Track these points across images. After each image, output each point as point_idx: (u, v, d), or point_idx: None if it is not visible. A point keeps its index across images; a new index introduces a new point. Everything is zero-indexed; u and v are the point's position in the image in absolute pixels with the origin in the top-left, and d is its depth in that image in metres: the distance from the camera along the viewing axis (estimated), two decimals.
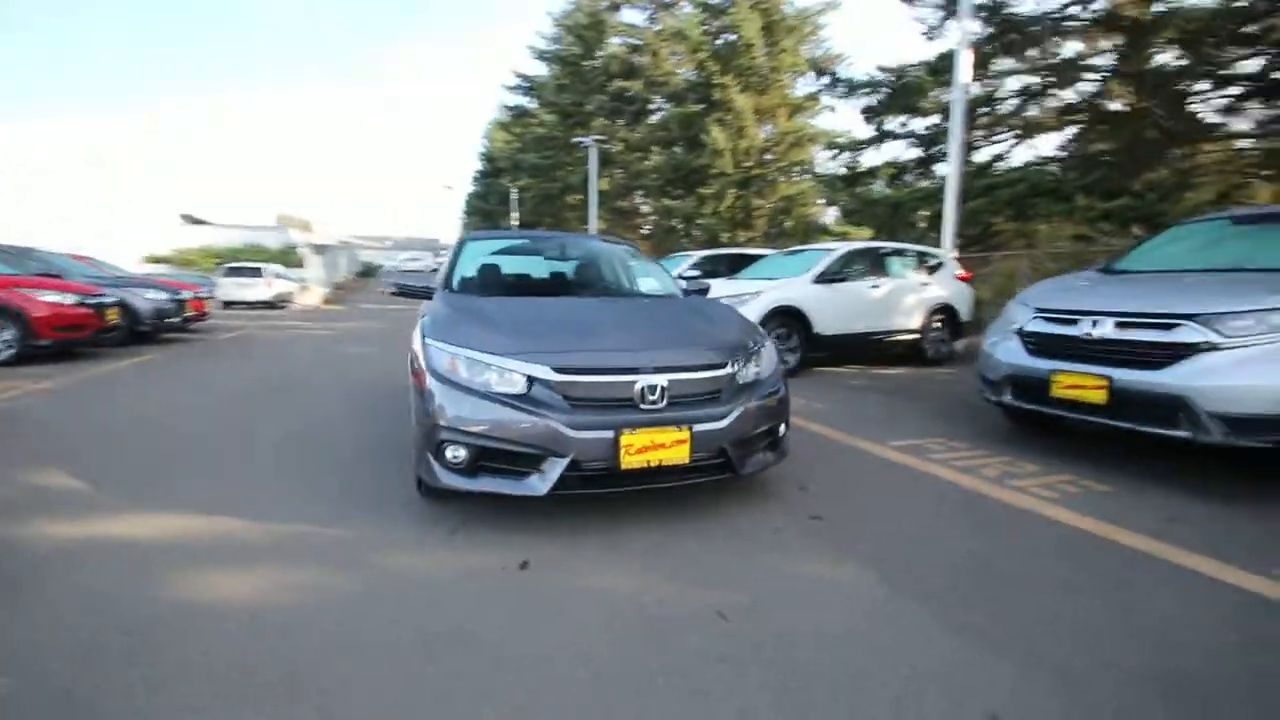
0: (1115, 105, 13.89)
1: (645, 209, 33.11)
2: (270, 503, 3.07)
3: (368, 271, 38.07)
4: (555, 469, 2.50)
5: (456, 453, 2.58)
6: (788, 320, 7.19)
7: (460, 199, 78.29)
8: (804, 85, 21.82)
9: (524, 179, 37.53)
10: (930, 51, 16.22)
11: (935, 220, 12.10)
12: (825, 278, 7.56)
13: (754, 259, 10.10)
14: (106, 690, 1.68)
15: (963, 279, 8.78)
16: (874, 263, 8.16)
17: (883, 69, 16.17)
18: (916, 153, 15.02)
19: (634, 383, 2.61)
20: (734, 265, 10.03)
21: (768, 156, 22.67)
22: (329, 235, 59.55)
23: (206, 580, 2.29)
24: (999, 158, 14.93)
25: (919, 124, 15.05)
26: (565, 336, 2.84)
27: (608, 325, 3.06)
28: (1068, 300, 3.94)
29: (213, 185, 59.13)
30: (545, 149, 34.25)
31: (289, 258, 34.27)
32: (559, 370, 2.58)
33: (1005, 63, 15.00)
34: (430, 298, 3.72)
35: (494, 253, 4.33)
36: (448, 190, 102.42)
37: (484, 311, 3.15)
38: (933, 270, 8.51)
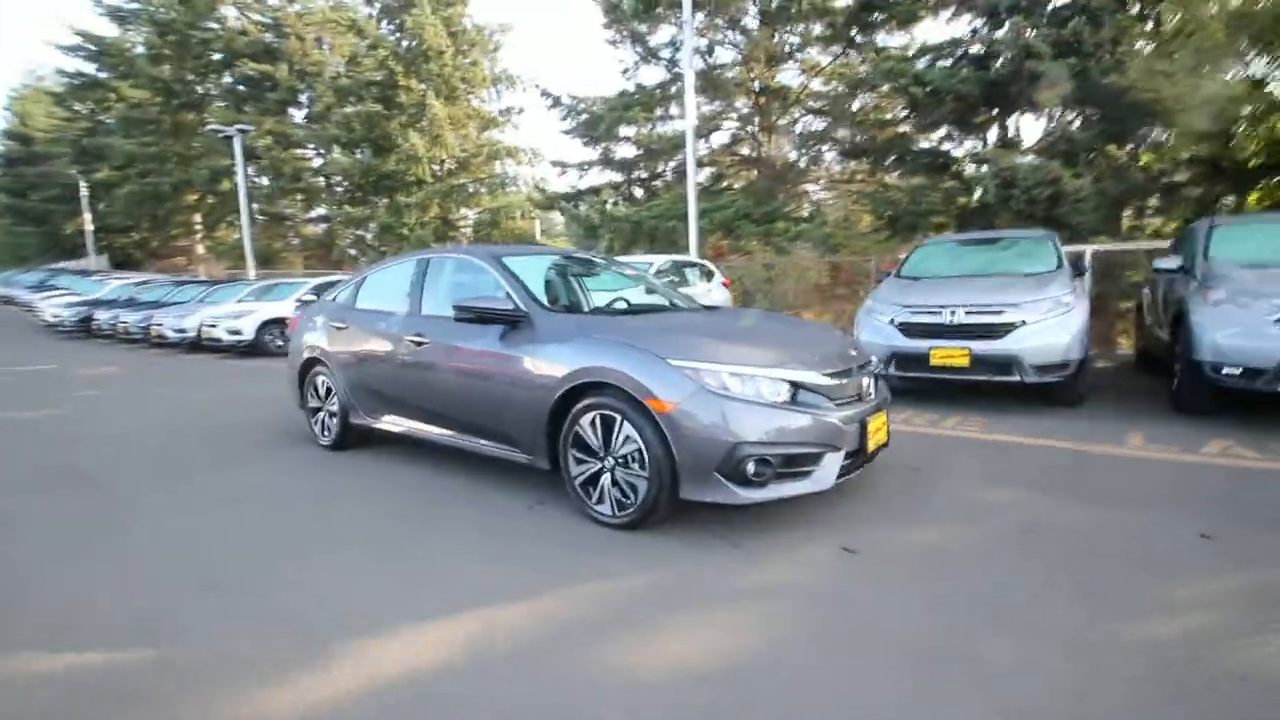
0: (749, 151, 18.33)
1: (306, 214, 28.84)
2: (478, 575, 2.55)
3: None
4: (835, 461, 2.84)
5: (756, 466, 2.68)
6: None
7: None
8: (491, 100, 22.31)
9: (105, 170, 28.62)
10: (615, 86, 18.54)
11: (663, 236, 14.17)
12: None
13: None
14: None
15: (725, 285, 10.78)
16: (677, 274, 9.46)
17: (575, 97, 17.90)
18: (622, 176, 17.13)
19: (861, 379, 3.11)
20: None
21: (451, 166, 22.43)
22: None
23: (635, 657, 2.02)
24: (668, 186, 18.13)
25: (621, 151, 17.19)
26: (780, 347, 3.09)
27: (783, 336, 3.42)
28: (924, 298, 5.69)
29: None
30: (143, 133, 26.84)
31: None
32: (827, 375, 2.92)
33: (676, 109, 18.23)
34: (515, 324, 3.38)
35: (550, 269, 4.02)
36: None
37: (669, 329, 3.22)
38: (709, 278, 10.26)
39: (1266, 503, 3.14)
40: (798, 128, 17.10)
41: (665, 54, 16.10)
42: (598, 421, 2.97)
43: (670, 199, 14.65)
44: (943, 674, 1.88)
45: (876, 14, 12.77)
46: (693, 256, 11.96)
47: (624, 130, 16.79)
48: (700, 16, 15.56)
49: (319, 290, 14.12)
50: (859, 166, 15.75)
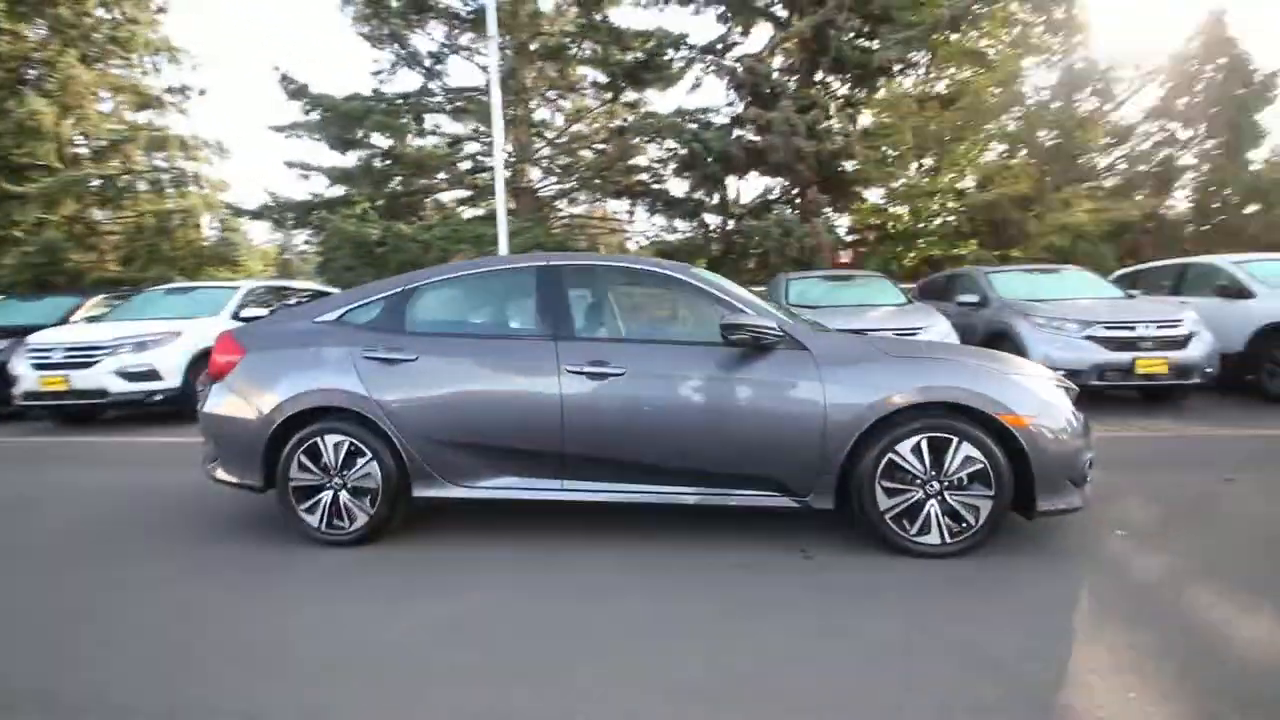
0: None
1: None
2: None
3: None
4: None
5: (1088, 468, 2.91)
6: None
7: None
8: (151, 74, 16.95)
9: None
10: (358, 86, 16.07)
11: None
12: None
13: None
14: None
15: None
16: None
17: (310, 94, 15.01)
18: (374, 189, 14.97)
19: None
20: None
21: (83, 151, 16.32)
22: None
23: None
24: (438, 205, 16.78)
25: (377, 161, 15.02)
26: (1009, 357, 3.39)
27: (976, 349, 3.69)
28: (843, 323, 6.58)
29: None
30: None
31: None
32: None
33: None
34: (768, 348, 2.94)
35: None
36: None
37: (938, 346, 3.25)
38: None
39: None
40: (552, 163, 17.51)
41: (428, 62, 14.73)
42: (923, 446, 2.80)
43: (455, 220, 13.43)
44: None
45: (649, 74, 14.08)
46: None
47: (376, 138, 14.74)
48: (468, 36, 14.87)
49: None
50: (616, 207, 16.93)
